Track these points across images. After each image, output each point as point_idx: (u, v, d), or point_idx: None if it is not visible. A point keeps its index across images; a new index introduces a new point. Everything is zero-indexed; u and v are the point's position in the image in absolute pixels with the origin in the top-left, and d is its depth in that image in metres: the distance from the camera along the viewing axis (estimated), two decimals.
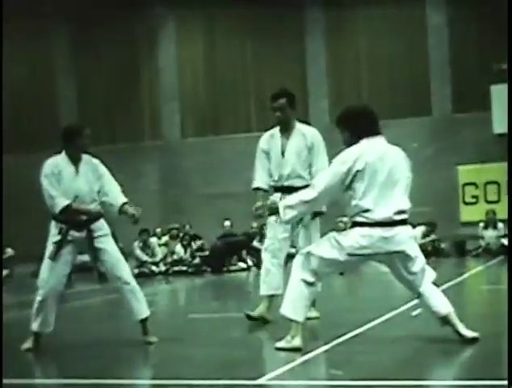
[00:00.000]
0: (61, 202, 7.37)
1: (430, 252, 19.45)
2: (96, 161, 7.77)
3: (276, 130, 8.86)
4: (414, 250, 6.64)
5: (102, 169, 7.75)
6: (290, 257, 8.02)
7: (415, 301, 7.33)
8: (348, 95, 25.76)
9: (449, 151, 23.44)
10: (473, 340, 6.50)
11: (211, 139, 26.56)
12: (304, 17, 26.32)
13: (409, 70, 25.04)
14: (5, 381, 5.92)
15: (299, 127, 8.81)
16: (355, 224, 6.52)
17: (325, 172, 6.95)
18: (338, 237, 6.56)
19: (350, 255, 6.51)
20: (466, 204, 23.20)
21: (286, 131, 8.77)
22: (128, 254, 19.08)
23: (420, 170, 24.60)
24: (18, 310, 9.01)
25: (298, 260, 6.73)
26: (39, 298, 7.47)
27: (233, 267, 19.09)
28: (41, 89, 29.37)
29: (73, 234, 7.49)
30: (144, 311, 7.61)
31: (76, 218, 7.46)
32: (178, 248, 19.93)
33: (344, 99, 25.86)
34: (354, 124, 6.72)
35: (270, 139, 8.87)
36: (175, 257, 19.78)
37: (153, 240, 20.28)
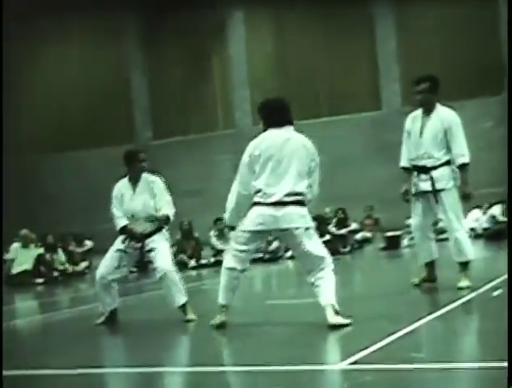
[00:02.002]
0: (120, 223, 8.74)
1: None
2: (153, 179, 8.86)
3: (419, 111, 9.39)
4: (305, 233, 7.30)
5: (157, 187, 8.83)
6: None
7: (496, 282, 7.24)
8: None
9: None
10: (337, 327, 6.95)
11: None
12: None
13: (481, 50, 24.64)
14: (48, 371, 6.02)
15: (439, 109, 9.29)
16: (254, 204, 7.35)
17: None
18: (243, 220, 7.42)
19: (250, 231, 7.35)
20: None
21: (427, 113, 9.28)
22: (203, 243, 19.29)
23: (495, 149, 24.38)
24: (96, 301, 9.19)
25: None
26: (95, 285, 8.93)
27: None
28: (114, 82, 29.76)
29: (133, 244, 8.71)
30: (181, 299, 8.49)
31: (134, 234, 8.68)
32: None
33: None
34: (264, 116, 7.79)
35: (413, 120, 9.44)
36: None
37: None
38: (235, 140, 27.06)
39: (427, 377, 5.15)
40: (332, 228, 19.84)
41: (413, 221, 9.77)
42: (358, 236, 20.77)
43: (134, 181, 8.84)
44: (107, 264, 8.75)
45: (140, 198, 8.75)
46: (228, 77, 28.25)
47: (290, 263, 17.91)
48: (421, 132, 9.25)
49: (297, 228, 7.24)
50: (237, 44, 28.00)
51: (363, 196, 24.77)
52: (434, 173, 9.15)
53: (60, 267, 18.61)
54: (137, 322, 8.97)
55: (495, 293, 8.20)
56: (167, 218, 8.69)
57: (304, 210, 7.34)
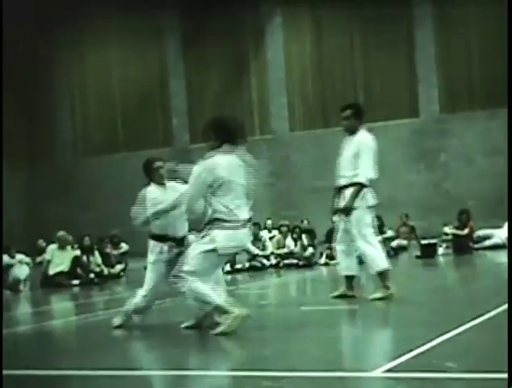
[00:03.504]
0: (154, 210, 8.61)
1: None
2: (176, 183, 8.77)
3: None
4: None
5: (179, 188, 8.64)
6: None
7: None
8: (458, 85, 25.35)
9: None
10: None
11: (320, 132, 26.54)
12: (412, 5, 26.03)
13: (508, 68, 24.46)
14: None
15: (359, 134, 10.15)
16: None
17: None
18: None
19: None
20: None
21: (351, 137, 10.13)
22: None
23: None
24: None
25: None
26: (142, 294, 8.67)
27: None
28: (153, 87, 29.96)
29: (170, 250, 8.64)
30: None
31: (170, 238, 8.64)
32: (289, 241, 19.95)
33: (454, 88, 25.48)
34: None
35: (343, 144, 10.26)
36: (286, 250, 19.82)
37: (264, 233, 20.35)
38: (271, 145, 27.12)
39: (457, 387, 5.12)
40: None
41: (337, 237, 10.34)
42: (394, 243, 20.67)
43: (161, 186, 8.85)
44: (157, 284, 8.64)
45: (173, 197, 8.61)
46: (266, 82, 28.30)
47: (324, 270, 17.88)
48: (341, 154, 10.11)
49: None
50: (276, 49, 28.04)
51: (400, 204, 24.67)
52: (346, 192, 9.89)
53: (97, 270, 18.72)
54: (169, 325, 9.00)
55: None
56: None
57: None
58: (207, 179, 7.60)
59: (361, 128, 10.15)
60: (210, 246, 7.59)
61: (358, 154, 9.84)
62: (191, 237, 8.67)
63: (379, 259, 9.91)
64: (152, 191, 8.76)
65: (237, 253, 8.38)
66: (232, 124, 7.97)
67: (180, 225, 8.69)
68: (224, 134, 7.80)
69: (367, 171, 9.80)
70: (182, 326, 8.35)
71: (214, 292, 7.64)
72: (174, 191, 8.68)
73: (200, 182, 7.64)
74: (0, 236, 18.22)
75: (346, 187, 9.92)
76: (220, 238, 7.57)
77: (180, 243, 8.64)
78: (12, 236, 23.54)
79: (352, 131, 10.10)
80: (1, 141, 28.56)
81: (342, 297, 10.15)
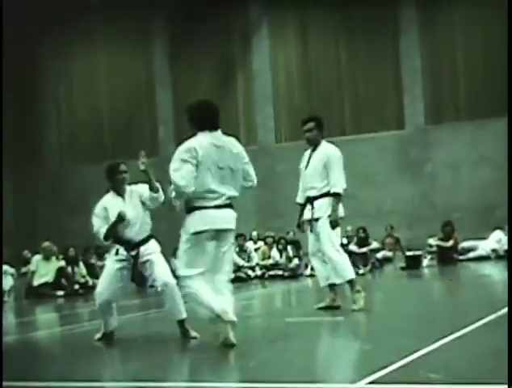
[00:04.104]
0: (103, 230, 8.56)
1: None
2: (135, 187, 8.68)
3: (310, 149, 10.38)
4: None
5: (139, 187, 8.64)
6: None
7: None
8: (444, 96, 25.45)
9: None
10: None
11: (306, 143, 26.55)
12: (398, 16, 26.13)
13: (507, 66, 24.60)
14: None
15: (323, 145, 10.24)
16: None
17: None
18: None
19: None
20: None
21: (314, 149, 10.27)
22: None
23: None
24: (119, 315, 9.15)
25: None
26: (96, 307, 8.66)
27: None
28: (140, 97, 29.94)
29: (125, 254, 8.51)
30: (182, 312, 8.29)
31: (125, 241, 8.49)
32: (274, 252, 19.96)
33: (439, 99, 25.58)
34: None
35: (303, 157, 10.45)
36: (271, 261, 19.83)
37: (249, 244, 20.37)
38: (257, 156, 27.12)
39: None
40: (353, 246, 19.80)
41: (309, 248, 10.38)
42: (379, 255, 20.72)
43: (119, 194, 8.70)
44: (107, 286, 8.54)
45: (131, 205, 8.59)
46: (252, 92, 28.33)
47: (309, 281, 17.89)
48: (306, 167, 10.21)
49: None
50: (262, 59, 28.08)
51: (385, 215, 24.72)
52: (315, 203, 10.01)
53: (81, 280, 18.69)
54: (152, 337, 8.98)
55: None
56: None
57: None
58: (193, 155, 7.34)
59: (322, 140, 10.31)
60: (184, 236, 7.44)
61: (329, 165, 9.95)
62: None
63: (348, 267, 9.94)
64: (107, 203, 8.70)
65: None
66: (202, 109, 7.68)
67: (138, 229, 8.57)
68: (198, 120, 7.61)
69: (341, 182, 9.94)
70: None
71: (216, 298, 7.38)
72: (132, 197, 8.61)
73: (188, 158, 7.35)
74: (0, 237, 18.18)
75: (315, 198, 10.02)
76: (188, 221, 7.41)
77: (135, 247, 8.53)
78: None
79: (315, 143, 10.26)
80: (1, 146, 28.44)
81: (327, 308, 10.14)
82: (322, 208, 9.95)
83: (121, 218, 8.42)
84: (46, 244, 18.76)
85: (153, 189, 8.46)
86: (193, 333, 8.28)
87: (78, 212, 30.35)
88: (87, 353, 8.15)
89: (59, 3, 29.66)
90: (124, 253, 8.52)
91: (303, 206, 10.32)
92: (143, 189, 8.61)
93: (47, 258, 18.42)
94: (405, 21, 25.97)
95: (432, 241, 20.40)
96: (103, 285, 8.58)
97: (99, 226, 8.62)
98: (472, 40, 25.21)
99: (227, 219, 7.56)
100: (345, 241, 20.52)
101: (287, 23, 27.82)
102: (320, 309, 10.17)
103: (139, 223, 8.55)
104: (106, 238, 8.58)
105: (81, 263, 19.08)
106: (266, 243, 20.44)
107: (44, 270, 18.18)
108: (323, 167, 9.96)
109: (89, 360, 7.68)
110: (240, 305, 13.41)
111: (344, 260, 9.99)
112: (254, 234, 21.84)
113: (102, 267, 19.92)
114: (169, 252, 12.17)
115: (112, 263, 8.59)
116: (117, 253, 8.54)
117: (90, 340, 8.82)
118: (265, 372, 6.45)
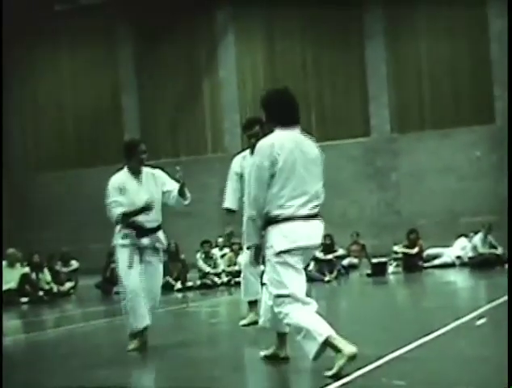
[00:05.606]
0: (119, 210, 7.97)
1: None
2: (154, 171, 8.35)
3: (247, 152, 9.97)
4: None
5: (162, 176, 8.37)
6: None
7: (480, 310, 7.25)
8: (410, 105, 25.63)
9: None
10: None
11: None
12: (363, 26, 26.28)
13: (472, 77, 24.84)
14: None
15: None
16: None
17: None
18: None
19: None
20: None
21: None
22: (190, 265, 19.26)
23: (484, 178, 24.51)
24: (85, 321, 9.08)
25: None
26: (127, 301, 8.01)
27: None
28: (105, 104, 29.83)
29: (137, 240, 8.04)
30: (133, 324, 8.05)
31: (139, 226, 8.01)
32: (240, 259, 19.93)
33: (405, 108, 25.76)
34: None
35: (241, 161, 10.15)
36: (237, 268, 19.80)
37: (215, 251, 20.33)
38: (223, 163, 27.10)
39: None
40: (319, 253, 19.83)
41: (244, 259, 9.66)
42: (345, 262, 20.76)
43: (136, 173, 8.25)
44: (132, 274, 7.99)
45: (147, 188, 8.18)
46: (219, 99, 28.34)
47: None
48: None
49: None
50: (228, 66, 28.10)
51: (351, 222, 24.81)
52: None
53: (46, 287, 18.52)
54: (119, 344, 8.93)
55: (479, 322, 8.20)
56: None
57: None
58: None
59: None
60: (270, 252, 6.36)
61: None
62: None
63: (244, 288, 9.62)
64: (125, 179, 8.22)
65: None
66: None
67: (152, 216, 8.14)
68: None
69: None
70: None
71: (321, 324, 6.32)
72: (149, 180, 8.25)
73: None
74: (0, 237, 18.03)
75: None
76: (272, 235, 6.38)
77: (146, 234, 8.13)
78: None
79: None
80: (0, 153, 28.18)
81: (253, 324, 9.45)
82: None
83: (148, 208, 7.98)
84: (11, 250, 18.59)
85: (183, 196, 8.23)
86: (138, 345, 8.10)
87: (43, 220, 30.20)
88: (51, 361, 8.09)
89: (22, 13, 29.49)
90: (132, 236, 8.07)
91: (232, 213, 10.15)
92: (166, 179, 8.34)
93: (11, 264, 18.25)
94: (371, 30, 26.12)
95: (397, 248, 20.49)
96: (128, 276, 8.01)
97: (115, 207, 8.00)
98: (437, 49, 25.42)
99: None
100: (341, 251, 20.61)
101: (254, 31, 27.87)
102: (245, 325, 9.55)
103: (154, 209, 8.11)
104: (122, 221, 8.03)
105: (45, 270, 18.91)
106: (232, 250, 20.40)
107: (8, 276, 18.01)
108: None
109: (52, 367, 7.62)
110: (206, 311, 13.41)
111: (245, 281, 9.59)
112: (220, 240, 21.79)
113: (66, 274, 19.93)
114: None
115: (125, 252, 8.04)
116: (125, 237, 8.06)
117: (54, 347, 8.76)
118: (230, 380, 6.43)
